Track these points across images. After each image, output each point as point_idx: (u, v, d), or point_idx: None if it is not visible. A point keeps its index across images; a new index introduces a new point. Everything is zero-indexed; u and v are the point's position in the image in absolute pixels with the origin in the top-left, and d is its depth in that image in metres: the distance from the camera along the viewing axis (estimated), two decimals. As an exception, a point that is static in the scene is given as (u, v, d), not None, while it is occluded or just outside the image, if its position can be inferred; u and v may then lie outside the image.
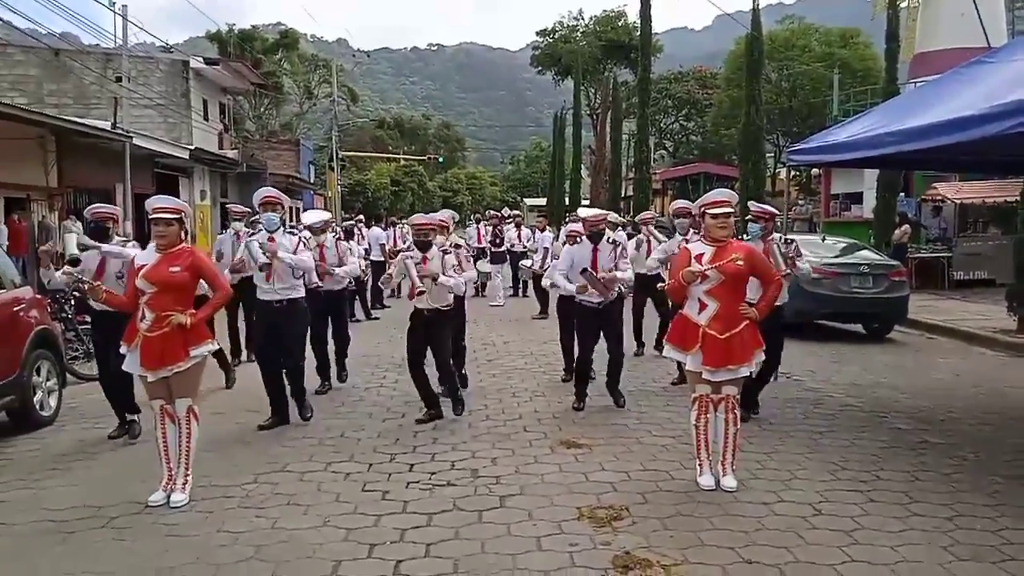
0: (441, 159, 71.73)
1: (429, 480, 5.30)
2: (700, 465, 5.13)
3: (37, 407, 6.85)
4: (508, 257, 16.97)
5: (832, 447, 6.03)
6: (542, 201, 53.55)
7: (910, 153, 6.27)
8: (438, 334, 6.86)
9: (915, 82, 21.24)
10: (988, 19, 10.88)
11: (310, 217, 8.53)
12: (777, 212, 7.54)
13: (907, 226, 18.21)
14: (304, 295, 6.92)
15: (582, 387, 7.34)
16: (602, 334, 7.23)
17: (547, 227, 16.26)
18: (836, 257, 11.92)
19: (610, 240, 7.25)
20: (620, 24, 50.81)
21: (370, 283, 14.44)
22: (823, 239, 13.19)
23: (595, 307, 7.11)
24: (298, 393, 6.92)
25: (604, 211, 8.56)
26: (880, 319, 12.03)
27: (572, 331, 7.98)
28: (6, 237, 14.16)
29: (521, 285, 17.26)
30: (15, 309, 6.84)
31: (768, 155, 30.74)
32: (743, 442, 5.48)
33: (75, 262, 6.19)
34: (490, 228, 17.70)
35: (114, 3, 20.24)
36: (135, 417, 6.50)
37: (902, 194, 20.55)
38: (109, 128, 17.74)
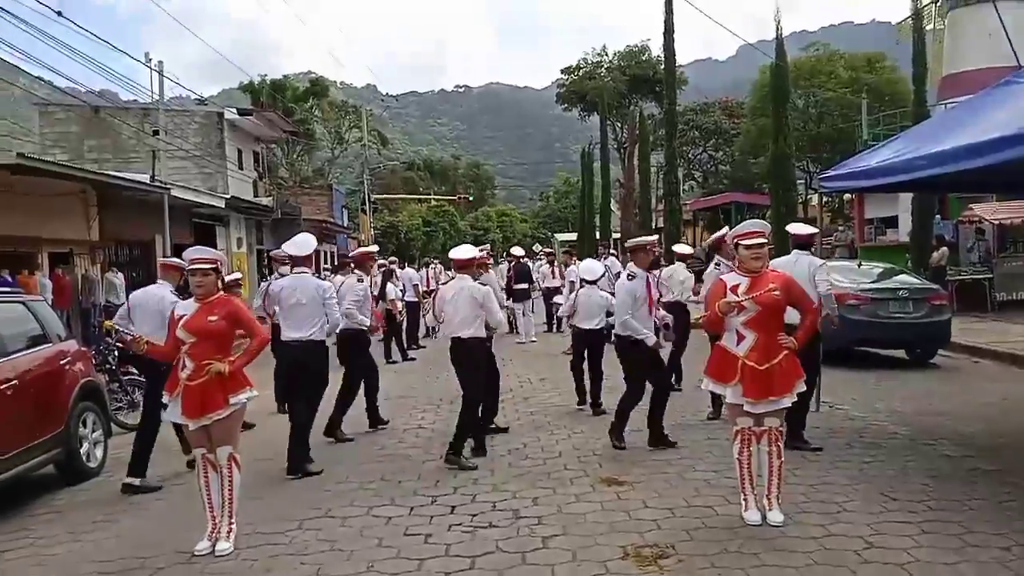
0: (471, 198, 72.34)
1: (471, 522, 5.28)
2: (745, 500, 5.05)
3: (84, 459, 6.97)
4: (542, 294, 17.08)
5: (880, 477, 5.90)
6: (573, 236, 53.57)
7: (944, 176, 6.21)
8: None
9: (945, 104, 21.10)
10: (1017, 38, 10.76)
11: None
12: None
13: (945, 248, 17.95)
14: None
15: (621, 424, 7.16)
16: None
17: (576, 261, 16.28)
18: (874, 283, 11.77)
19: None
20: (644, 58, 51.08)
21: (405, 324, 14.52)
22: (859, 265, 13.04)
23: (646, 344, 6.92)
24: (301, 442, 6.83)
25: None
26: (922, 344, 11.81)
27: (584, 360, 8.72)
28: (51, 291, 14.50)
29: (555, 321, 17.24)
30: (61, 362, 6.98)
31: (799, 182, 30.53)
32: (788, 474, 5.39)
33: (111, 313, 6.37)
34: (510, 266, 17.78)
35: (150, 59, 20.90)
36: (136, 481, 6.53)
37: (938, 216, 20.28)
38: (148, 181, 18.20)
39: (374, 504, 5.75)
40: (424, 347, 15.68)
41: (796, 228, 7.57)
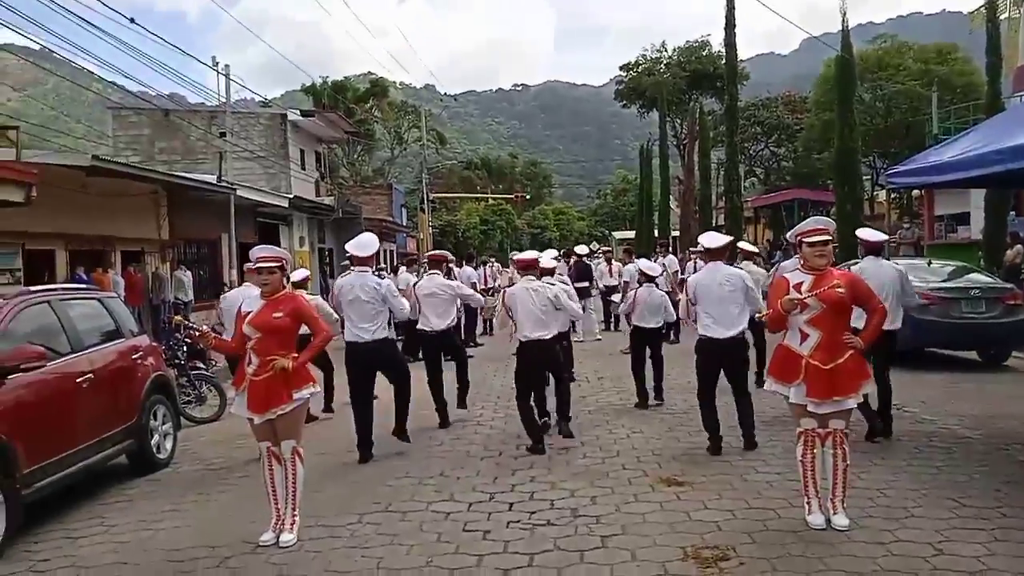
0: (528, 196, 72.36)
1: (529, 519, 5.28)
2: (808, 503, 4.95)
3: (154, 450, 7.20)
4: (600, 292, 17.01)
5: (950, 482, 5.72)
6: (630, 234, 53.15)
7: (1021, 171, 5.98)
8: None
9: (1021, 96, 20.31)
10: (1099, 26, 10.31)
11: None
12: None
13: (1020, 246, 17.27)
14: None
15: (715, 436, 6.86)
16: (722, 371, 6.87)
17: (633, 259, 16.19)
18: (944, 282, 11.40)
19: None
20: (704, 54, 50.40)
21: (464, 321, 14.61)
22: (929, 263, 12.65)
23: (721, 341, 6.64)
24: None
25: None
26: (995, 345, 11.40)
27: (644, 360, 8.79)
28: (123, 288, 15.00)
29: (612, 319, 17.14)
30: (133, 357, 7.22)
31: (864, 178, 29.74)
32: (854, 478, 5.26)
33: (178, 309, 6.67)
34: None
35: (217, 63, 21.44)
36: None
37: (1013, 213, 19.54)
38: (215, 181, 18.69)
39: (433, 499, 5.81)
40: (482, 344, 15.76)
41: (867, 234, 7.45)
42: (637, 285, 9.08)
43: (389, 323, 7.47)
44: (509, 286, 9.51)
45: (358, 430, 7.02)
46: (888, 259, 8.47)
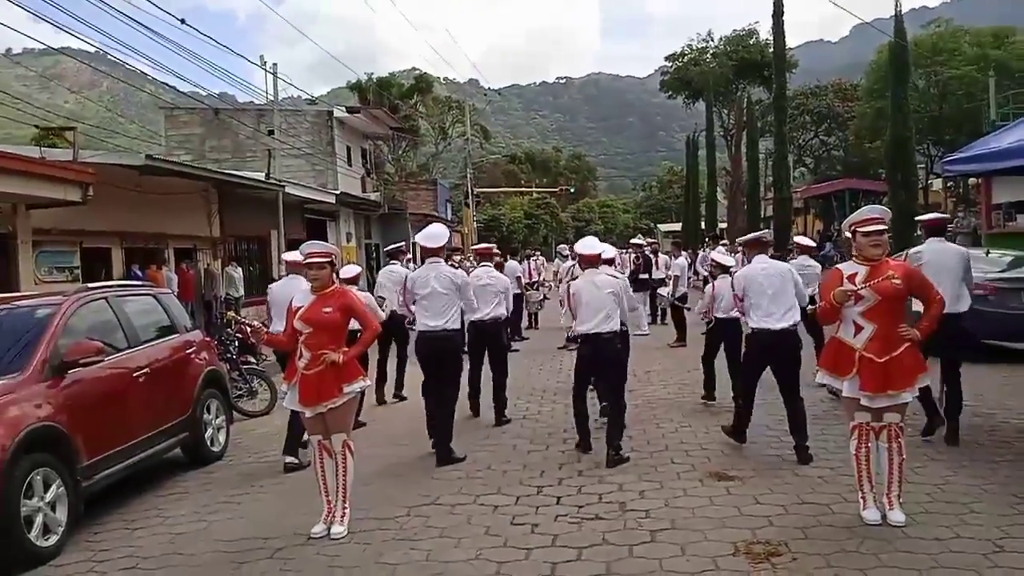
0: (572, 190, 72.18)
1: (577, 513, 5.27)
2: (863, 498, 4.84)
3: (208, 443, 7.35)
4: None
5: (1012, 477, 5.55)
6: (677, 226, 52.73)
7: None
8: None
9: (1085, 78, 19.60)
10: None
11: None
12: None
13: (1084, 234, 16.71)
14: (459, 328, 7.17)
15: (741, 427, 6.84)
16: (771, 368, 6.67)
17: (681, 252, 16.02)
18: (1004, 272, 11.05)
19: None
20: (752, 42, 49.59)
21: (509, 315, 14.62)
22: (987, 253, 12.28)
23: (775, 333, 6.49)
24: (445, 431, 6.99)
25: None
26: (1056, 337, 11.01)
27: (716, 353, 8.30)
28: (177, 285, 15.33)
29: (660, 313, 16.99)
30: (187, 352, 7.38)
31: (919, 166, 29.02)
32: (910, 473, 5.14)
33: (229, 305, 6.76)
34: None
35: (265, 62, 21.78)
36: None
37: (1076, 200, 18.89)
38: (263, 179, 18.98)
39: (481, 493, 5.83)
40: (527, 338, 15.78)
41: (927, 216, 7.24)
42: (693, 278, 8.84)
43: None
44: (561, 279, 9.42)
45: (432, 427, 7.03)
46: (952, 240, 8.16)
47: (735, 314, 7.95)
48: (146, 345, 6.77)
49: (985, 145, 7.36)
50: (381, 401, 9.64)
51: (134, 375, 6.34)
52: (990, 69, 29.15)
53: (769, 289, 6.52)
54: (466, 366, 8.04)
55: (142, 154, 14.17)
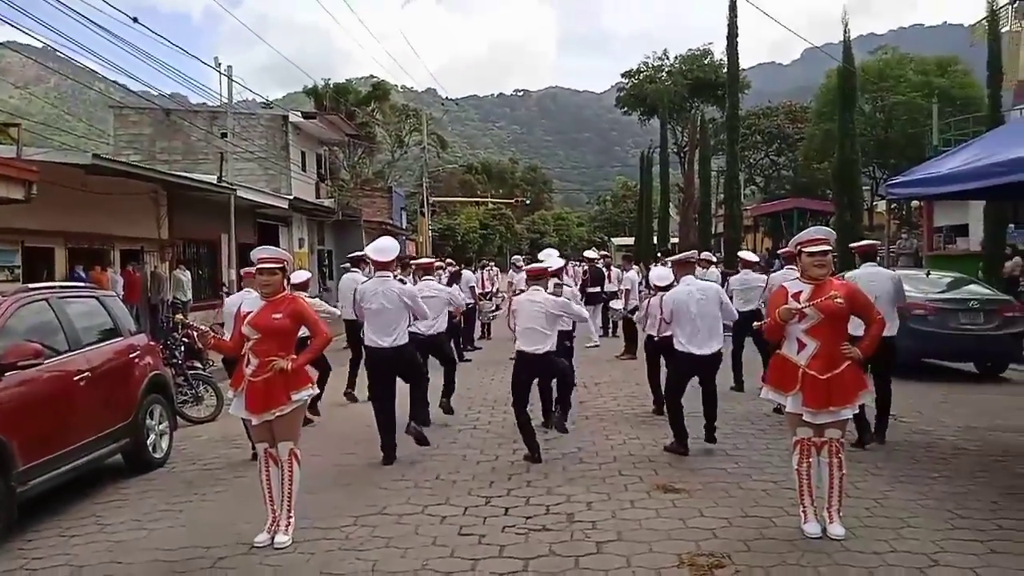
0: (528, 201, 72.44)
1: (525, 524, 5.28)
2: (804, 512, 4.94)
3: (150, 449, 7.18)
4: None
5: (947, 493, 5.72)
6: (630, 240, 53.20)
7: (1021, 183, 6.00)
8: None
9: (1020, 109, 20.38)
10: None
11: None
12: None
13: (1019, 258, 17.34)
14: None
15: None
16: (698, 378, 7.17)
17: (632, 266, 16.22)
18: (943, 292, 11.42)
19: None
20: (706, 62, 50.50)
21: (462, 325, 14.60)
22: (928, 274, 12.66)
23: (699, 358, 6.95)
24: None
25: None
26: (992, 357, 11.41)
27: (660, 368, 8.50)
28: (122, 287, 14.99)
29: (612, 325, 17.13)
30: (131, 356, 7.21)
31: (864, 188, 29.79)
32: (850, 488, 5.26)
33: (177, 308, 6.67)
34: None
35: (219, 64, 21.45)
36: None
37: (1012, 225, 19.58)
38: (215, 182, 18.68)
39: (429, 503, 5.80)
40: (480, 348, 15.77)
41: (856, 244, 7.68)
42: (645, 292, 9.05)
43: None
44: (512, 291, 9.49)
45: (382, 433, 7.01)
46: (884, 265, 8.56)
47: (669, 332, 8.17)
48: (88, 348, 6.60)
49: (927, 170, 7.58)
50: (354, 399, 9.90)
51: (75, 379, 6.17)
52: (933, 96, 30.10)
53: (695, 312, 6.75)
54: None
55: (89, 153, 13.81)
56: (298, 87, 59.68)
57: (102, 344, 6.88)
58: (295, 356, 5.15)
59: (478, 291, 16.67)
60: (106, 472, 6.89)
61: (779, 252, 9.26)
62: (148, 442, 7.15)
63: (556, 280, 7.87)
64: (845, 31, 21.68)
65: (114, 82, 23.68)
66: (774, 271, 11.17)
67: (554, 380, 7.79)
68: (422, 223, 45.77)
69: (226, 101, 22.20)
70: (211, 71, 21.06)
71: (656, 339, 8.39)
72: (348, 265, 11.13)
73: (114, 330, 7.20)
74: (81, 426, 6.17)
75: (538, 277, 7.09)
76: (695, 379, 7.16)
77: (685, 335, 6.89)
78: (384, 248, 7.17)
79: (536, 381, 7.45)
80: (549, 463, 6.81)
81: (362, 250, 12.17)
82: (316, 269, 27.25)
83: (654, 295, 8.72)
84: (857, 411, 5.14)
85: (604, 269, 17.21)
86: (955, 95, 32.77)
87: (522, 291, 7.52)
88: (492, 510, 5.61)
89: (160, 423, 7.43)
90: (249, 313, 5.17)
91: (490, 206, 69.20)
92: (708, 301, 6.93)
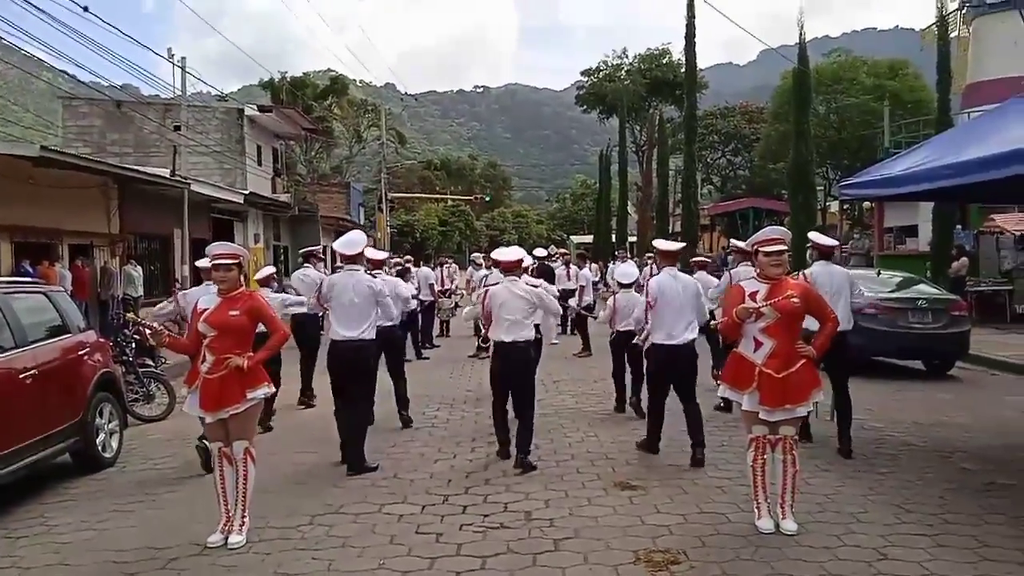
0: (487, 199, 72.41)
1: (482, 522, 5.28)
2: (758, 508, 5.02)
3: (99, 449, 7.02)
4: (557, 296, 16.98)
5: (895, 488, 5.86)
6: (588, 238, 53.53)
7: (968, 186, 6.16)
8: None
9: (968, 112, 20.93)
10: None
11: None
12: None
13: (965, 259, 17.80)
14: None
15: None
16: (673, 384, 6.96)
17: (588, 263, 16.34)
18: (892, 292, 11.67)
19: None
20: (665, 62, 50.97)
21: (420, 323, 14.55)
22: (878, 273, 12.93)
23: (673, 348, 6.76)
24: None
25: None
26: (940, 355, 11.71)
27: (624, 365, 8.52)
28: (71, 282, 14.62)
29: (569, 324, 17.20)
30: (80, 353, 7.04)
31: (818, 189, 30.32)
32: (802, 484, 5.35)
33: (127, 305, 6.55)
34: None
35: (173, 55, 21.03)
36: None
37: (959, 226, 20.11)
38: (168, 176, 18.31)
39: (386, 501, 5.76)
40: (439, 346, 15.72)
41: (819, 238, 7.59)
42: (603, 290, 9.02)
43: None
44: (470, 288, 9.41)
45: (341, 432, 6.88)
46: (839, 264, 8.72)
47: (630, 327, 8.11)
48: (35, 345, 6.42)
49: (878, 171, 7.74)
50: (309, 405, 9.62)
51: (20, 376, 6.00)
52: (885, 99, 30.76)
53: (676, 301, 6.74)
54: None
55: (37, 145, 13.46)
56: (254, 80, 59.09)
57: (50, 341, 6.70)
58: (252, 353, 5.07)
59: (437, 288, 16.59)
60: (53, 472, 6.72)
61: (730, 248, 9.37)
62: (98, 441, 6.99)
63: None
64: (800, 33, 22.02)
65: (63, 72, 23.07)
66: (730, 269, 11.31)
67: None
68: (380, 219, 45.48)
69: (179, 93, 21.78)
70: (164, 62, 20.69)
71: (635, 334, 8.25)
72: (302, 260, 10.98)
73: (62, 327, 7.02)
74: (27, 425, 6.01)
75: (511, 269, 7.04)
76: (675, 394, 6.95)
77: (664, 325, 6.75)
78: (352, 241, 7.11)
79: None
80: (507, 462, 6.80)
81: (318, 246, 12.09)
82: (272, 265, 26.88)
83: (619, 293, 8.78)
84: (811, 409, 5.22)
85: (564, 267, 17.28)
86: (906, 98, 33.53)
87: (490, 285, 7.43)
88: (450, 508, 5.60)
89: (110, 422, 7.27)
90: (205, 310, 5.08)
91: (449, 203, 69.03)
92: (689, 293, 6.87)
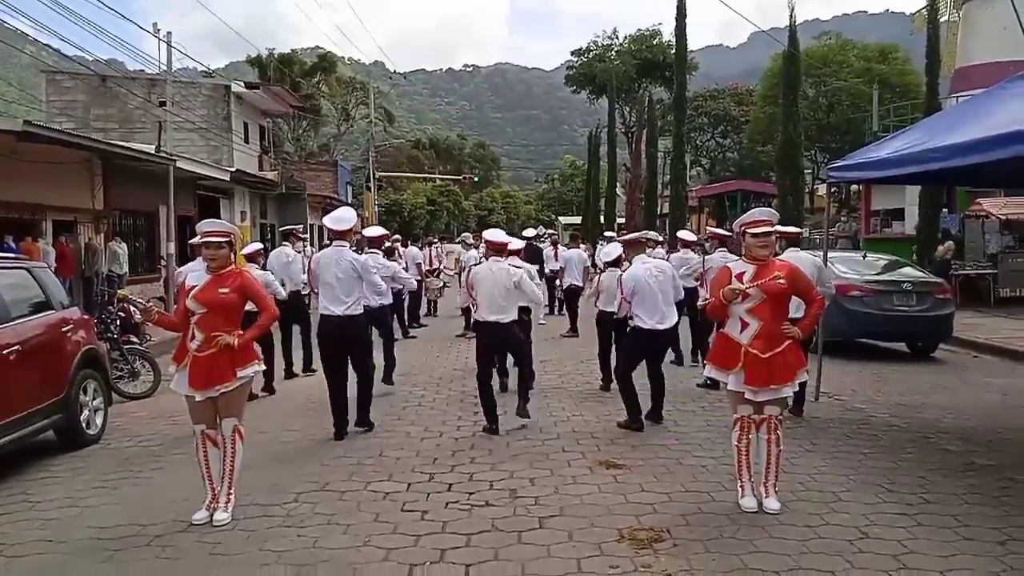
0: (476, 178, 72.13)
1: (468, 500, 5.29)
2: (742, 487, 5.06)
3: (84, 425, 6.98)
4: (545, 276, 17.01)
5: (877, 469, 5.91)
6: (577, 219, 53.49)
7: (956, 169, 6.17)
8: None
9: (957, 96, 20.97)
10: (1032, 32, 10.66)
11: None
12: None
13: (950, 242, 17.92)
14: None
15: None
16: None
17: (580, 245, 16.28)
18: (878, 274, 11.74)
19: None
20: (655, 43, 50.61)
21: (407, 302, 14.53)
22: (864, 256, 13.00)
23: (661, 332, 7.14)
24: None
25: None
26: (924, 337, 11.79)
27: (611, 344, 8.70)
28: (54, 259, 14.49)
29: (557, 304, 17.22)
30: (63, 330, 6.99)
31: (806, 171, 30.38)
32: (785, 463, 5.40)
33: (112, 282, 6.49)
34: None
35: (159, 30, 20.78)
36: None
37: (945, 210, 20.21)
38: (153, 152, 18.11)
39: (371, 479, 5.77)
40: (426, 325, 15.71)
41: (786, 228, 7.79)
42: (602, 269, 8.99)
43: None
44: (463, 268, 9.48)
45: (333, 406, 6.97)
46: (823, 247, 8.81)
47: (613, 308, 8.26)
48: (17, 321, 6.37)
49: (866, 154, 7.75)
50: (291, 375, 9.91)
51: (3, 352, 5.95)
52: (874, 82, 30.78)
53: (655, 290, 6.89)
54: None
55: (20, 119, 13.27)
56: (241, 56, 58.46)
57: (33, 317, 6.65)
58: (241, 332, 5.04)
59: (425, 268, 16.56)
60: (36, 449, 6.68)
61: (708, 235, 9.62)
62: (82, 418, 6.95)
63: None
64: (791, 16, 21.97)
65: (47, 46, 22.64)
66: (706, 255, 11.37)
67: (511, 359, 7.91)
68: (368, 198, 45.25)
69: (165, 69, 21.52)
70: (150, 37, 20.42)
71: (617, 317, 8.35)
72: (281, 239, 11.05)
73: (46, 303, 6.96)
74: (10, 401, 5.96)
75: (499, 251, 7.15)
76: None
77: (647, 312, 7.02)
78: (342, 218, 7.17)
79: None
80: (493, 439, 6.84)
81: (299, 225, 12.08)
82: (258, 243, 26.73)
83: (604, 271, 8.85)
84: (796, 389, 5.26)
85: (552, 247, 17.29)
86: (895, 82, 33.59)
87: (476, 264, 7.62)
88: (435, 486, 5.61)
89: (94, 399, 7.23)
90: (194, 287, 5.04)
91: (438, 182, 68.70)
92: (664, 278, 7.16)
